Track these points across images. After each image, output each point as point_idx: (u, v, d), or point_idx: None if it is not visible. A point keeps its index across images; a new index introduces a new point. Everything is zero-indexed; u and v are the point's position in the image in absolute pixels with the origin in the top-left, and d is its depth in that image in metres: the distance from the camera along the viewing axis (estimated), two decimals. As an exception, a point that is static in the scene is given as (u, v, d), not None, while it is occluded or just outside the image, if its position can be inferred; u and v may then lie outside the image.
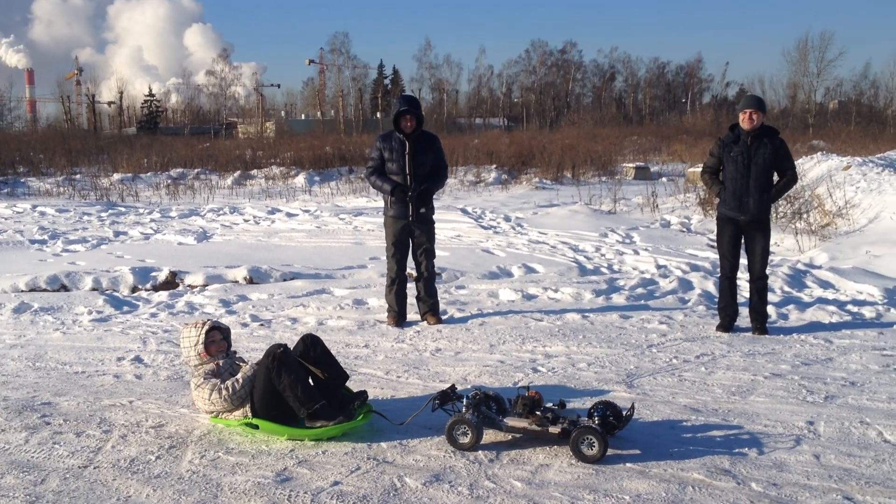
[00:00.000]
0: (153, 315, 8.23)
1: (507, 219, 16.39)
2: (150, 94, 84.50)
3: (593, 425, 4.37)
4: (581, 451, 4.32)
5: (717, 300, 7.76)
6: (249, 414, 4.80)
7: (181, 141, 43.35)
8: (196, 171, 29.49)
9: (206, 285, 9.72)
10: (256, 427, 4.77)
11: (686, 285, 9.19)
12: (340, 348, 6.82)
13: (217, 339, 5.11)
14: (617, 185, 21.17)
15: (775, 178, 7.19)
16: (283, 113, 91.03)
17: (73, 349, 6.90)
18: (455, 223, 15.29)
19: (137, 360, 6.56)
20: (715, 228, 7.54)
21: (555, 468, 4.27)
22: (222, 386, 4.81)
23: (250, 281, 9.95)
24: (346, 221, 16.21)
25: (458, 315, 8.04)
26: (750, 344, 6.87)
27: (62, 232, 14.84)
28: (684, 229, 15.25)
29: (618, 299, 8.64)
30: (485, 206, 18.61)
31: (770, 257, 7.74)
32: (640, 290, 9.00)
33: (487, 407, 4.69)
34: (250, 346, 6.94)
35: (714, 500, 3.87)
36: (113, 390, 5.74)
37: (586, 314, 7.95)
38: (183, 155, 33.18)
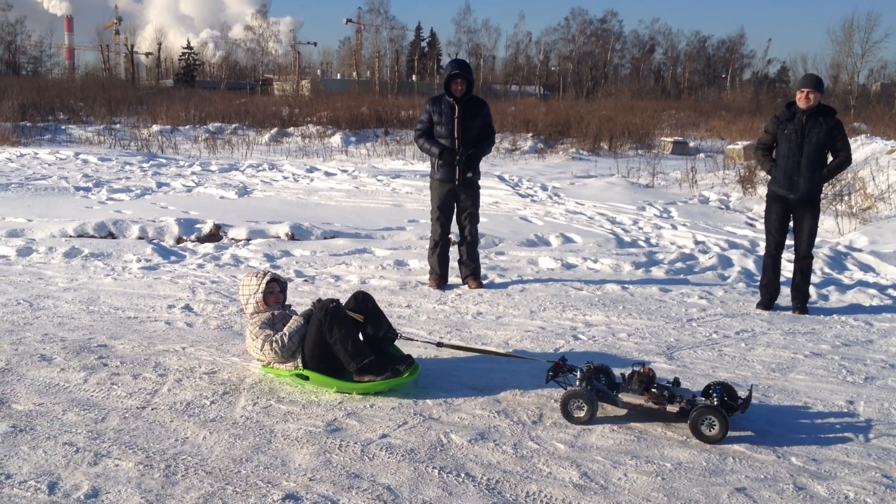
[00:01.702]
0: (200, 266, 8.40)
1: (545, 188, 16.40)
2: (188, 47, 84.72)
3: (715, 405, 4.31)
4: (701, 431, 4.26)
5: (757, 278, 7.79)
6: (300, 365, 4.92)
7: (218, 95, 43.58)
8: (234, 125, 29.69)
9: (250, 239, 9.88)
10: (307, 378, 4.89)
11: (725, 262, 9.21)
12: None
13: (275, 290, 5.24)
14: (654, 159, 21.05)
15: (829, 159, 7.16)
16: (318, 72, 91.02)
17: (124, 295, 7.09)
18: (493, 190, 15.34)
19: (188, 308, 6.73)
20: (755, 207, 7.56)
21: (597, 433, 4.38)
22: (274, 339, 4.92)
23: (292, 237, 10.09)
24: (383, 183, 16.30)
25: (498, 280, 8.13)
26: (790, 323, 6.91)
27: (106, 180, 15.08)
28: (723, 206, 15.18)
29: (657, 272, 8.68)
30: (521, 175, 18.61)
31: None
32: (679, 265, 9.03)
33: (597, 380, 4.67)
34: (296, 301, 7.06)
35: (754, 472, 3.95)
36: (165, 336, 5.92)
37: (626, 285, 8.02)
38: (220, 109, 33.37)
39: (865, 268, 9.28)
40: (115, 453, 3.95)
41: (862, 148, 17.92)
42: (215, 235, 10.10)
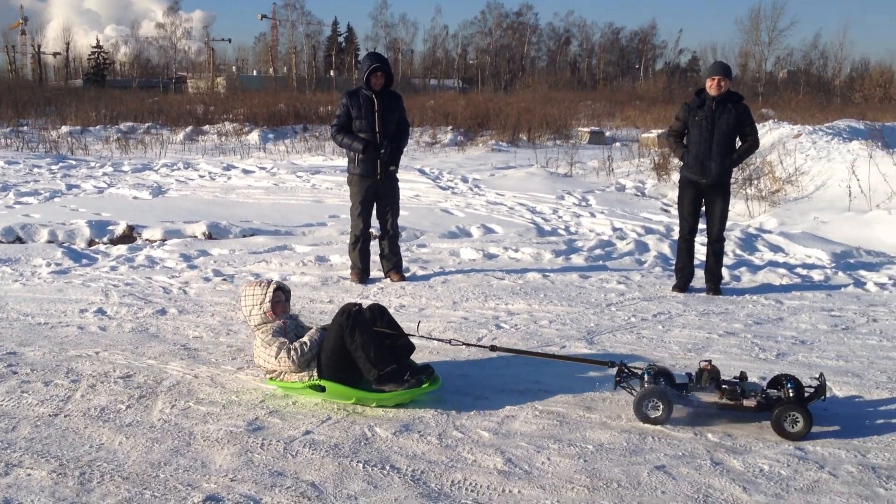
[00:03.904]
0: (113, 268, 8.17)
1: (465, 180, 16.46)
2: (98, 46, 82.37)
3: (798, 401, 4.25)
4: (784, 428, 4.17)
5: (672, 261, 7.96)
6: (315, 375, 4.66)
7: (130, 94, 42.42)
8: (146, 125, 28.95)
9: (165, 240, 9.65)
10: (323, 389, 4.59)
11: (642, 247, 9.39)
12: (305, 304, 6.88)
13: (281, 299, 4.99)
14: (572, 149, 21.33)
15: (738, 144, 7.35)
16: (234, 68, 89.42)
17: (34, 300, 6.85)
18: (413, 183, 15.31)
19: (100, 312, 6.53)
20: (669, 193, 7.73)
21: (520, 419, 4.42)
22: (292, 347, 4.67)
23: (209, 236, 9.91)
24: (303, 179, 16.13)
25: (420, 273, 8.13)
26: (704, 304, 7.08)
27: (13, 184, 14.53)
28: (639, 193, 15.48)
29: (577, 260, 8.80)
30: (442, 167, 18.64)
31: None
32: (597, 252, 9.17)
33: (657, 382, 4.52)
34: (214, 301, 6.96)
35: (672, 450, 4.04)
36: (78, 341, 5.74)
37: (546, 273, 8.10)
38: (132, 108, 32.49)
39: (775, 248, 9.58)
40: (28, 462, 3.82)
41: (770, 133, 18.50)
42: (129, 237, 9.84)
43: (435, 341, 5.34)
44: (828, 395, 4.43)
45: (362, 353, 4.56)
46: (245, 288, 5.02)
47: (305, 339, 4.73)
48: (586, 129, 29.22)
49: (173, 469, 3.78)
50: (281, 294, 4.99)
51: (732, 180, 7.89)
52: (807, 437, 4.13)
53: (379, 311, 4.88)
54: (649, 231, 10.73)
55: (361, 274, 7.76)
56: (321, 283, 7.65)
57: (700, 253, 7.76)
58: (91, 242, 9.55)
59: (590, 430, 4.27)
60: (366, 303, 4.94)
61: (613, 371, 4.68)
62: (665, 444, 4.12)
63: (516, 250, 9.15)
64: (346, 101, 7.54)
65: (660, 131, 23.62)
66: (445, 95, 47.80)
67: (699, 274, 7.64)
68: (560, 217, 12.25)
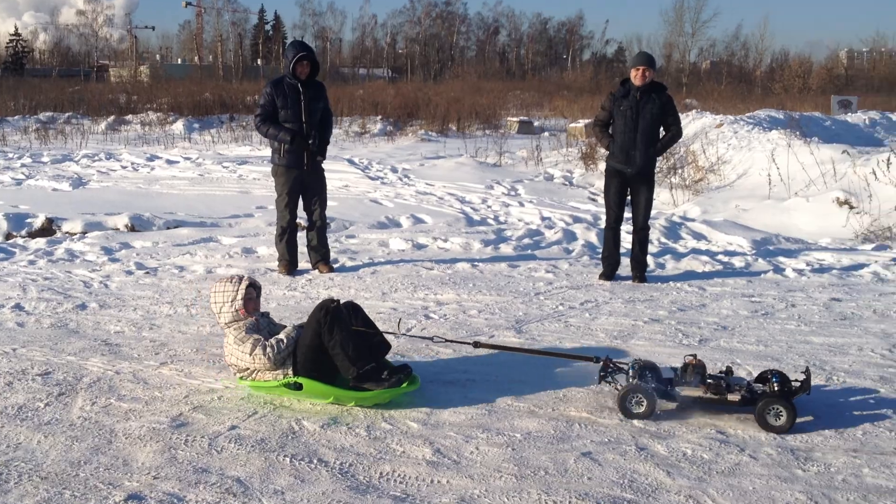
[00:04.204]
0: (31, 262, 7.92)
1: (394, 170, 16.42)
2: (16, 34, 79.66)
3: (781, 393, 4.23)
4: (767, 421, 4.16)
5: (599, 250, 8.07)
6: (291, 373, 4.48)
7: (49, 83, 41.16)
8: (67, 115, 28.10)
9: (86, 233, 9.40)
10: (300, 387, 4.42)
11: (570, 236, 9.49)
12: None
13: (253, 296, 4.76)
14: (501, 139, 21.43)
15: (662, 133, 7.48)
16: (158, 57, 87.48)
17: (-54, 297, 6.60)
18: (342, 173, 15.21)
19: (18, 307, 6.33)
20: (596, 182, 7.83)
21: (449, 409, 4.42)
22: (267, 343, 4.49)
23: (132, 228, 9.69)
24: (230, 170, 15.88)
25: (349, 264, 8.08)
26: (630, 291, 7.20)
27: (-77, 176, 14.00)
28: (567, 183, 15.66)
29: (505, 249, 8.86)
30: (371, 157, 18.56)
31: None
32: (526, 241, 9.24)
33: (645, 377, 4.45)
34: (136, 295, 6.80)
35: (599, 436, 4.10)
36: (-7, 338, 5.55)
37: (476, 263, 8.13)
38: (52, 98, 31.53)
39: (698, 236, 9.78)
40: (-62, 466, 3.68)
41: (693, 123, 18.88)
42: (48, 230, 9.56)
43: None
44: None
45: (340, 351, 4.40)
46: (215, 284, 4.79)
47: (282, 335, 4.57)
48: (515, 119, 29.41)
49: (94, 468, 3.68)
50: (253, 291, 4.78)
51: (657, 169, 8.04)
52: (724, 421, 4.22)
53: (353, 309, 4.72)
54: (577, 220, 10.85)
55: (289, 265, 7.67)
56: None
57: (626, 241, 7.88)
58: (8, 236, 9.26)
59: (518, 419, 4.30)
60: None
61: (598, 366, 4.61)
62: (592, 430, 4.17)
63: (445, 240, 9.17)
64: (270, 91, 7.42)
65: (587, 121, 23.88)
66: (375, 85, 47.53)
67: (625, 262, 7.75)
68: (489, 207, 12.31)
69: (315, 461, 3.78)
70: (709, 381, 4.36)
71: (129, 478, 3.59)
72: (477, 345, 4.80)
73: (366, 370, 4.40)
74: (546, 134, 25.90)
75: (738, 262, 8.38)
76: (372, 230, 9.97)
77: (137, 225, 9.76)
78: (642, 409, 4.29)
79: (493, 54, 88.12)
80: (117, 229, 9.64)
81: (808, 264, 8.33)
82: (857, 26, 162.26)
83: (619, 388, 4.44)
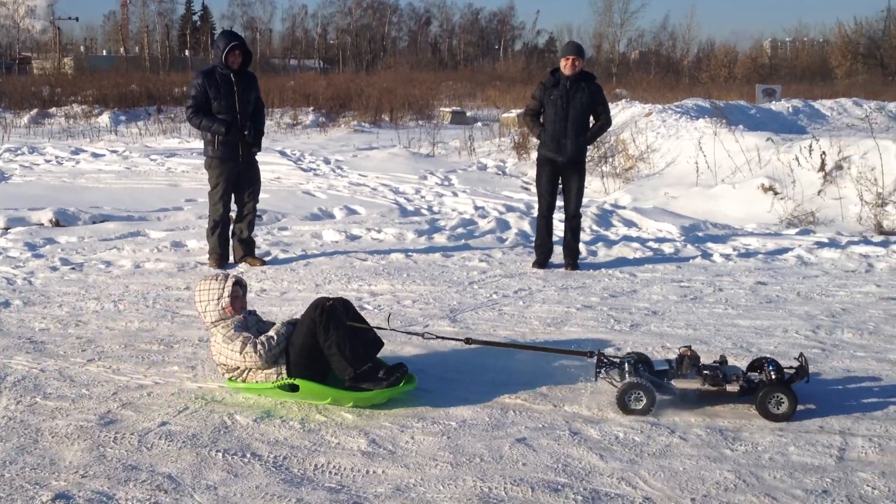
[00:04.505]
0: (-51, 260, 7.66)
1: (327, 161, 16.28)
2: (-71, 24, 76.64)
3: (782, 381, 4.21)
4: (769, 410, 4.14)
5: (533, 239, 8.13)
6: (285, 375, 4.31)
7: (-33, 76, 39.79)
8: (-14, 108, 27.22)
9: (8, 228, 9.10)
10: (296, 389, 4.26)
11: (503, 225, 9.55)
12: (160, 291, 6.66)
13: (239, 294, 4.57)
14: (434, 129, 21.42)
15: (592, 122, 7.56)
16: (82, 48, 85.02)
17: None
18: (274, 165, 15.02)
19: (-65, 307, 6.12)
20: (529, 171, 7.90)
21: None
22: (258, 341, 4.32)
23: (57, 223, 9.42)
24: (157, 162, 15.54)
25: (282, 256, 7.99)
26: (563, 279, 7.28)
27: None
28: (500, 172, 15.74)
29: (439, 239, 8.87)
30: (303, 149, 18.36)
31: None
32: (460, 231, 9.27)
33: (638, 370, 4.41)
34: (62, 291, 6.63)
35: (533, 422, 4.13)
36: None
37: (409, 253, 8.13)
38: (-29, 91, 30.50)
39: (629, 223, 9.94)
40: None
41: (623, 112, 19.13)
42: (-33, 226, 9.23)
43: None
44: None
45: (337, 351, 4.26)
46: (199, 283, 4.60)
47: (272, 333, 4.41)
48: (448, 110, 29.41)
49: (20, 468, 3.58)
50: (239, 289, 4.60)
51: (588, 158, 8.12)
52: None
53: (344, 306, 4.55)
54: (510, 209, 10.92)
55: (220, 259, 7.56)
56: (177, 270, 7.41)
57: (559, 230, 7.96)
58: (-76, 233, 8.91)
59: (453, 407, 4.31)
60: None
61: (593, 361, 4.56)
62: (526, 417, 4.21)
63: (379, 231, 9.14)
64: (201, 82, 7.27)
65: (519, 111, 23.98)
66: (306, 76, 46.99)
67: (558, 250, 7.83)
68: (423, 197, 12.30)
69: (248, 455, 3.74)
70: (705, 372, 4.31)
71: (56, 477, 3.50)
72: (469, 341, 4.72)
73: (364, 371, 4.29)
74: (479, 124, 25.96)
75: (667, 249, 8.54)
76: (305, 222, 9.88)
77: (62, 220, 9.50)
78: (641, 406, 4.22)
79: (425, 45, 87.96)
80: (41, 224, 9.36)
81: (734, 249, 8.53)
82: (780, 16, 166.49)
83: (615, 383, 4.39)
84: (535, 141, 7.64)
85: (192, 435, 3.96)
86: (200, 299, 4.52)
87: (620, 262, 7.94)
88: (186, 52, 76.26)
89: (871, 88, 40.34)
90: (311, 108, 28.34)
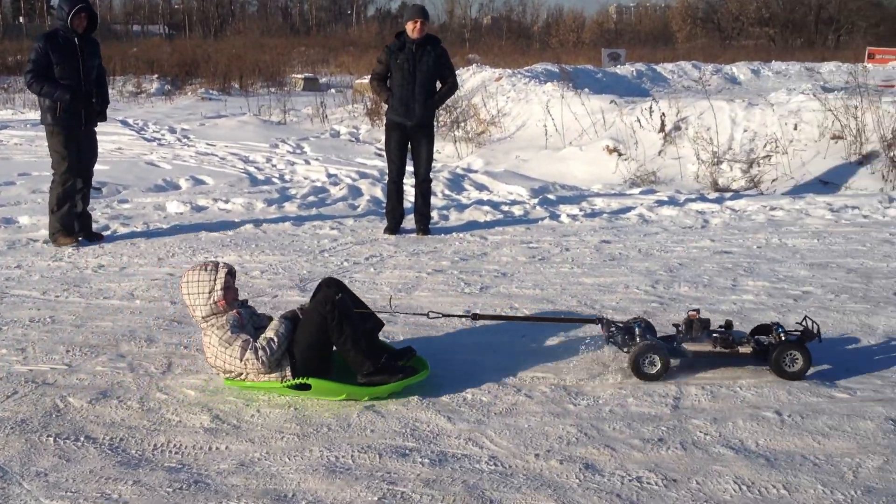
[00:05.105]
0: None
1: (173, 130, 15.64)
2: None
3: (795, 340, 4.21)
4: (783, 368, 4.15)
5: (384, 205, 8.09)
6: (290, 374, 4.00)
7: None
8: None
9: None
10: (308, 388, 3.96)
11: (356, 192, 9.46)
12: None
13: (231, 284, 4.15)
14: (286, 96, 20.96)
15: (439, 86, 7.54)
16: None
17: None
18: (115, 136, 14.28)
19: None
20: (382, 137, 7.82)
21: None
22: (259, 346, 3.96)
23: None
24: (-14, 135, 14.53)
25: (122, 230, 7.63)
26: (415, 244, 7.27)
27: None
28: (353, 139, 15.57)
29: (290, 208, 8.70)
30: (147, 118, 17.58)
31: (433, 163, 8.13)
32: (311, 199, 9.12)
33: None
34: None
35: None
36: None
37: (259, 223, 7.93)
38: None
39: (480, 187, 10.04)
40: None
41: (473, 77, 19.22)
42: None
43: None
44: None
45: (353, 347, 4.01)
46: (187, 274, 4.15)
47: (271, 334, 4.04)
48: (300, 76, 28.85)
49: None
50: (230, 279, 4.17)
51: (441, 123, 8.11)
52: (503, 366, 4.35)
53: (337, 286, 4.26)
54: (363, 176, 10.81)
55: (70, 235, 7.10)
56: (7, 248, 6.95)
57: (410, 195, 7.94)
58: None
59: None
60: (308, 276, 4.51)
61: (599, 327, 4.51)
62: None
63: (227, 201, 8.87)
64: (43, 45, 6.81)
65: (372, 77, 23.80)
66: (150, 42, 45.06)
67: (410, 216, 7.81)
68: (274, 166, 12.01)
69: (82, 439, 3.55)
70: (715, 335, 4.30)
71: None
72: (476, 317, 4.60)
73: (382, 364, 4.05)
74: (332, 91, 25.61)
75: (517, 211, 8.67)
76: (147, 194, 9.46)
77: None
78: (656, 369, 4.19)
79: (275, 10, 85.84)
80: None
81: (581, 210, 8.76)
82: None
83: (625, 349, 4.35)
84: (386, 107, 7.57)
85: (21, 420, 3.73)
86: (189, 292, 4.10)
87: (472, 226, 8.01)
88: (21, 20, 71.66)
89: (709, 52, 42.36)
90: (156, 75, 27.19)
